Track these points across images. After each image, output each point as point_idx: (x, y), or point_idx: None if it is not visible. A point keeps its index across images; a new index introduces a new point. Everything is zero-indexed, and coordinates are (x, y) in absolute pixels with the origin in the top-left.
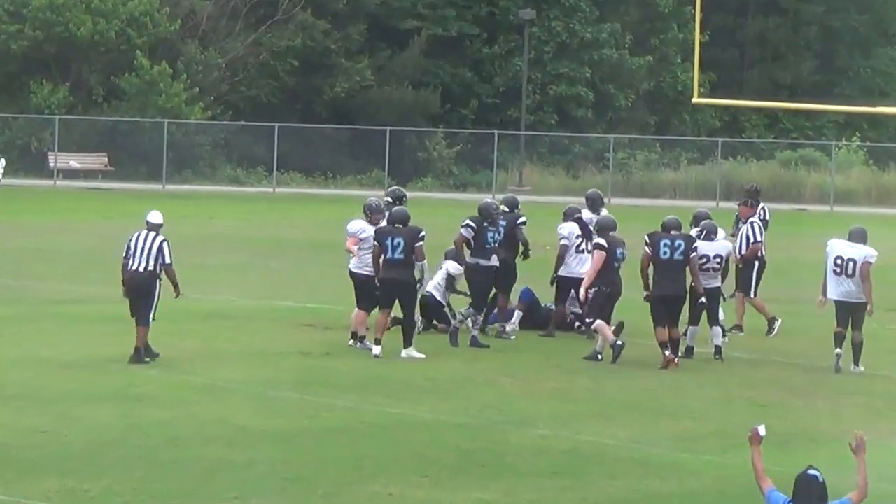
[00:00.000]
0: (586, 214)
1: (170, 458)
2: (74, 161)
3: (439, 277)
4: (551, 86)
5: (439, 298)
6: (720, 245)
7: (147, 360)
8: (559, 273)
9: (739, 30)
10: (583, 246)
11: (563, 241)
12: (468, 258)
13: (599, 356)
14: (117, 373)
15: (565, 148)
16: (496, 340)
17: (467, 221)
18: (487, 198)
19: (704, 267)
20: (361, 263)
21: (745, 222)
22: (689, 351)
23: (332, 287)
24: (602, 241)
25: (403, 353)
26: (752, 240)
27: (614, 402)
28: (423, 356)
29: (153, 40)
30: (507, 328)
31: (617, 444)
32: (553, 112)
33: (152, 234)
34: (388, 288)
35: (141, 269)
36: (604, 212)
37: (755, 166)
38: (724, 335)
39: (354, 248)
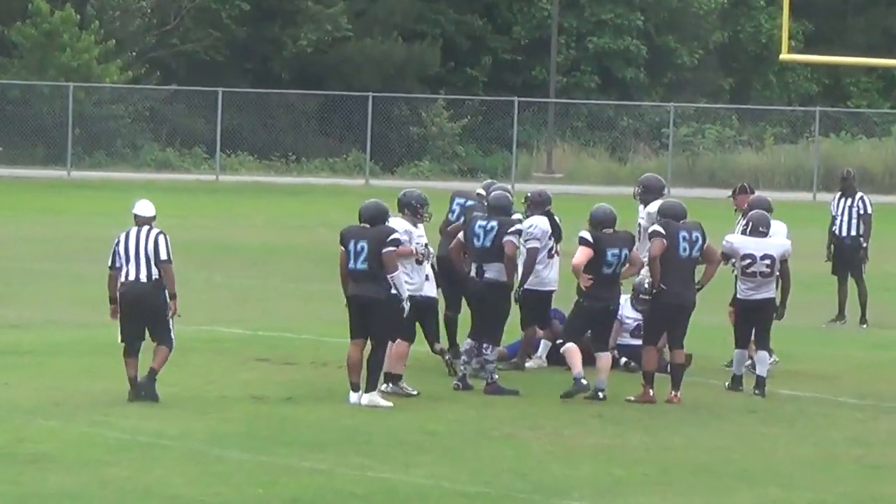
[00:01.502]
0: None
1: None
2: None
3: None
4: (591, 37)
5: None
6: (772, 243)
7: (158, 395)
8: (525, 286)
9: None
10: (555, 248)
11: (531, 244)
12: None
13: (601, 394)
14: (3, 424)
15: (609, 121)
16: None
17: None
18: (496, 184)
19: (749, 270)
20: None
21: (743, 216)
22: (738, 381)
23: (294, 308)
24: (587, 236)
25: (364, 399)
26: None
27: (675, 464)
28: (390, 404)
29: None
30: (532, 363)
31: None
32: (593, 73)
33: (146, 229)
34: (354, 309)
35: (142, 277)
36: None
37: (865, 145)
38: (771, 361)
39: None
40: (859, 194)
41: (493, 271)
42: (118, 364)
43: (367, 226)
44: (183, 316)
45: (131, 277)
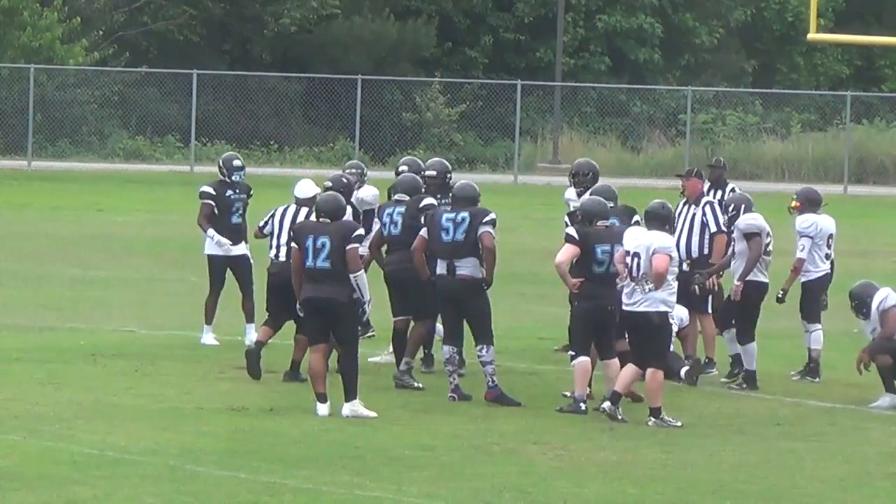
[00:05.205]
0: (569, 194)
1: None
2: None
3: None
4: (600, 15)
5: None
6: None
7: (304, 377)
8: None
9: None
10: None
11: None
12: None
13: (582, 405)
14: None
15: (621, 107)
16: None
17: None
18: (506, 178)
19: (769, 249)
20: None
21: (694, 203)
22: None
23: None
24: (572, 233)
25: (346, 411)
26: (712, 229)
27: (693, 483)
28: (373, 414)
29: None
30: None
31: None
32: (603, 54)
33: (304, 211)
34: (312, 312)
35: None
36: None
37: None
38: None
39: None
40: (730, 185)
41: (467, 268)
42: (83, 372)
43: (327, 221)
44: (155, 321)
45: (283, 258)
